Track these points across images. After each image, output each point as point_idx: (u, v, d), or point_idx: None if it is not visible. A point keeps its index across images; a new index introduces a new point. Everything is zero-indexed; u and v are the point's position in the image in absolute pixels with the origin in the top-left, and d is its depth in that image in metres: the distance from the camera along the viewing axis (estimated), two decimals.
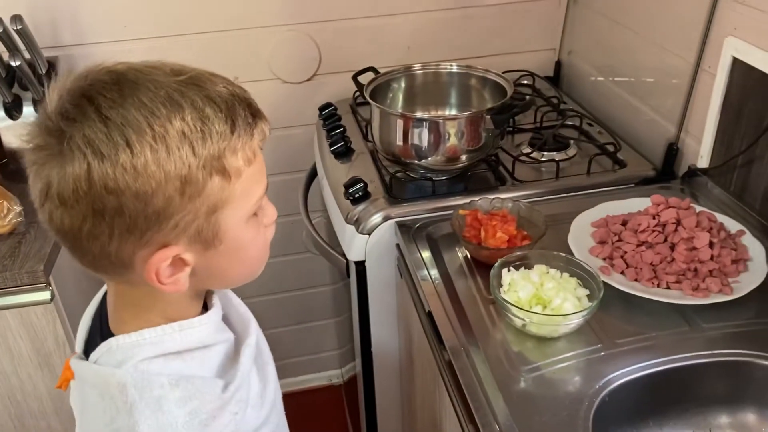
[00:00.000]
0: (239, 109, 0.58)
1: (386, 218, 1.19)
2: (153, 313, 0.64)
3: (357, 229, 1.19)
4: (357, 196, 1.21)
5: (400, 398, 1.44)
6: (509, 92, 1.20)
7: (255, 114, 0.60)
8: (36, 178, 0.55)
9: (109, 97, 0.53)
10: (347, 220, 1.20)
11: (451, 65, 1.34)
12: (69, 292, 1.23)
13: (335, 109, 1.53)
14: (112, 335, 0.64)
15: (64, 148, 0.52)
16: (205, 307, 0.70)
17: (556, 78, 1.70)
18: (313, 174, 1.57)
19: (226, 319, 0.72)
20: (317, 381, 2.08)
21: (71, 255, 0.59)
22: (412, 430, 1.41)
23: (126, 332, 0.62)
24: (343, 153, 1.39)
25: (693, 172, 1.22)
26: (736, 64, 1.09)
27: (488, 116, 1.16)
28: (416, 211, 1.20)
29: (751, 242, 1.01)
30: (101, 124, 0.52)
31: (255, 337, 0.72)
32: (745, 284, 0.94)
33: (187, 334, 0.64)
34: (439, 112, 1.38)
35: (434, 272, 1.06)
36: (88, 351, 0.66)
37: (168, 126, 0.53)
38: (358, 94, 1.52)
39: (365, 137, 1.44)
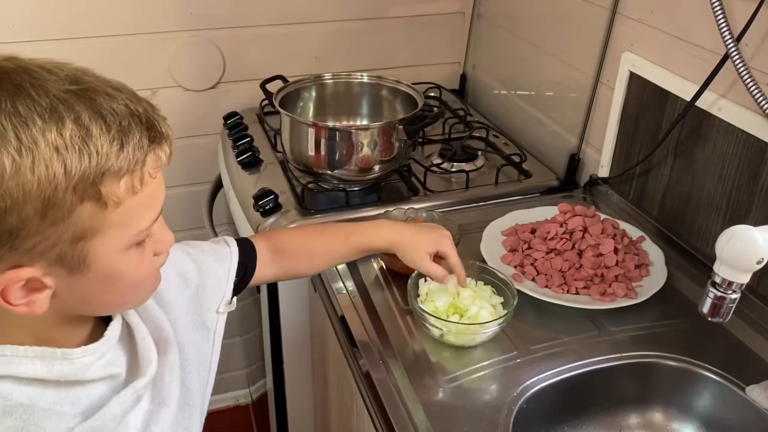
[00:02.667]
0: (135, 131, 0.51)
1: None
2: (20, 330, 0.57)
3: None
4: (267, 207, 1.17)
5: (313, 415, 1.40)
6: (420, 103, 1.21)
7: (154, 139, 0.53)
8: None
9: None
10: (258, 233, 1.16)
11: (362, 76, 1.33)
12: None
13: (241, 118, 1.48)
14: None
15: None
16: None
17: (461, 90, 1.73)
18: (218, 185, 1.51)
19: (131, 344, 0.65)
20: (223, 402, 2.00)
21: None
22: None
23: None
24: (251, 163, 1.34)
25: (594, 182, 1.27)
26: (633, 77, 1.15)
27: (401, 126, 1.16)
28: (330, 221, 1.17)
29: (651, 248, 1.06)
30: None
31: (147, 379, 0.63)
32: (647, 288, 0.98)
33: (49, 363, 0.56)
34: (351, 122, 1.37)
35: (350, 284, 1.04)
36: None
37: (39, 138, 0.47)
38: (265, 102, 1.49)
39: (274, 147, 1.40)
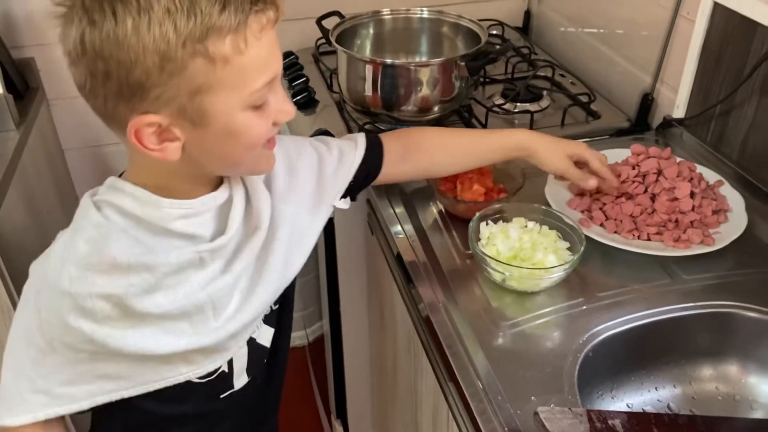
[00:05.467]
0: None
1: None
2: (148, 174, 0.67)
3: None
4: None
5: (369, 358, 1.41)
6: (483, 39, 1.15)
7: (256, 2, 0.58)
8: (61, 41, 0.59)
9: None
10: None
11: (422, 11, 1.27)
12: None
13: (296, 57, 1.45)
14: None
15: (69, 15, 0.57)
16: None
17: (525, 28, 1.64)
18: None
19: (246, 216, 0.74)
20: None
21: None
22: (382, 389, 1.38)
23: (125, 178, 0.68)
24: (307, 104, 1.31)
25: (668, 123, 1.20)
26: (717, 8, 1.05)
27: (462, 63, 1.10)
28: None
29: (729, 192, 0.99)
30: None
31: (210, 245, 0.70)
32: (725, 235, 0.92)
33: (141, 204, 0.66)
34: (409, 60, 1.31)
35: (408, 227, 1.01)
36: None
37: (154, 2, 0.55)
38: (321, 41, 1.45)
39: (330, 88, 1.36)
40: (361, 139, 0.90)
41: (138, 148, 0.61)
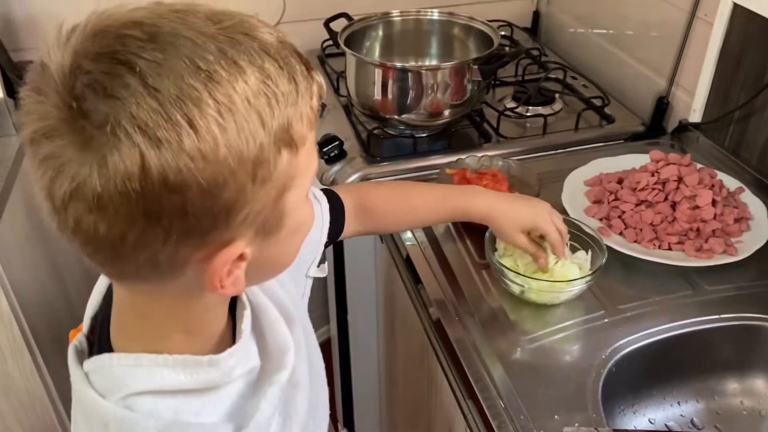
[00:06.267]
0: (293, 62, 0.44)
1: (364, 179, 1.11)
2: (171, 328, 0.50)
3: None
4: (332, 155, 1.12)
5: (378, 368, 1.38)
6: (496, 41, 1.12)
7: (308, 65, 0.46)
8: (58, 177, 0.39)
9: (153, 60, 0.39)
10: (322, 182, 1.11)
11: (432, 12, 1.24)
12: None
13: None
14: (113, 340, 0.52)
15: (107, 135, 0.38)
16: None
17: (534, 29, 1.62)
18: None
19: (256, 325, 0.58)
20: None
21: (98, 265, 0.45)
22: (392, 402, 1.35)
23: (126, 349, 0.50)
24: None
25: (684, 127, 1.17)
26: (737, 10, 1.03)
27: (475, 66, 1.07)
28: (396, 170, 1.12)
29: (750, 200, 0.97)
30: (151, 99, 0.38)
31: (290, 369, 0.56)
32: (748, 244, 0.89)
33: (195, 372, 0.49)
34: (420, 63, 1.29)
35: (420, 235, 0.98)
36: (92, 335, 0.54)
37: (232, 93, 0.40)
38: (328, 43, 1.42)
39: (337, 91, 1.34)
40: (319, 194, 0.79)
41: (215, 292, 0.46)
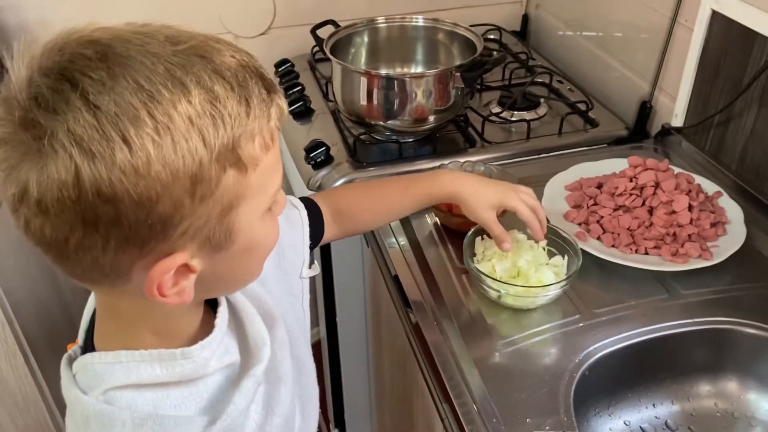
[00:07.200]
0: (252, 84, 0.46)
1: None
2: (141, 329, 0.53)
3: None
4: (319, 160, 1.14)
5: (368, 369, 1.40)
6: (479, 48, 1.13)
7: (269, 88, 0.48)
8: (6, 180, 0.43)
9: (97, 79, 0.42)
10: (309, 186, 1.13)
11: (417, 18, 1.25)
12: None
13: (292, 65, 1.44)
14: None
15: (44, 147, 0.41)
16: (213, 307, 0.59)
17: (523, 32, 1.63)
18: None
19: (237, 324, 0.61)
20: None
21: (53, 265, 0.48)
22: (380, 402, 1.37)
23: (105, 349, 0.53)
24: (303, 113, 1.30)
25: (666, 131, 1.18)
26: (716, 17, 1.04)
27: (458, 74, 1.09)
28: (382, 175, 1.13)
29: (728, 204, 0.98)
30: (89, 114, 0.41)
31: (264, 364, 0.58)
32: (724, 248, 0.91)
33: (169, 366, 0.52)
34: (405, 69, 1.30)
35: (402, 240, 1.00)
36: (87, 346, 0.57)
37: (172, 112, 0.42)
38: (317, 49, 1.43)
39: (325, 96, 1.35)
40: (296, 201, 0.82)
41: (155, 300, 0.48)
